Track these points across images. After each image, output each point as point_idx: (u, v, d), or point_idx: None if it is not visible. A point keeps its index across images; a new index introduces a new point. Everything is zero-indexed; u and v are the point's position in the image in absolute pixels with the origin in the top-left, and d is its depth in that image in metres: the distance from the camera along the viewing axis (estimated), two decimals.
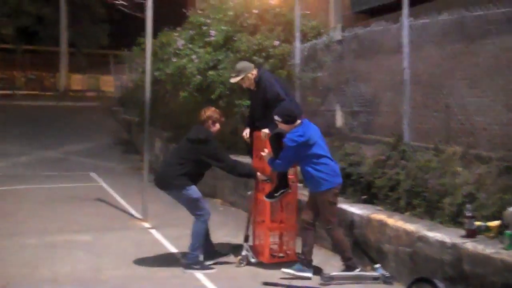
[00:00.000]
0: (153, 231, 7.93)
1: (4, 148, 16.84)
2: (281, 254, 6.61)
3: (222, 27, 10.73)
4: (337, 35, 8.93)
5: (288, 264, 6.12)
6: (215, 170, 7.15)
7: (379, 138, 7.58)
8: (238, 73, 6.53)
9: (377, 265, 5.93)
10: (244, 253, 6.39)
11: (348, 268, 5.91)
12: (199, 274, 6.04)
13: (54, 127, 21.01)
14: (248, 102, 9.70)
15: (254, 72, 6.50)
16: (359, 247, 6.28)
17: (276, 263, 6.33)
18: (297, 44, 9.44)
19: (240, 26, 10.67)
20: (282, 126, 5.94)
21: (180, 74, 11.14)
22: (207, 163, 6.23)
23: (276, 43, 9.94)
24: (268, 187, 6.36)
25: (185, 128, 12.23)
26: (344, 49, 8.77)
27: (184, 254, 6.46)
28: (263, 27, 10.46)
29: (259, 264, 6.36)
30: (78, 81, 38.33)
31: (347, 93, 8.61)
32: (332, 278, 5.75)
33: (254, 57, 9.71)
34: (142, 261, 6.49)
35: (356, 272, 5.87)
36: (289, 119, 5.90)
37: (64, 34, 34.10)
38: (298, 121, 5.93)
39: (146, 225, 8.17)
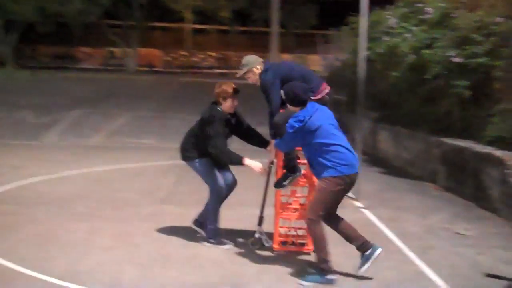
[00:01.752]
0: (366, 211, 7.97)
1: None
2: (293, 243, 6.12)
3: (439, 4, 10.32)
4: None
5: (297, 254, 5.93)
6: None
7: None
8: (242, 66, 6.00)
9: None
10: (257, 235, 6.13)
11: (322, 271, 5.20)
12: (416, 259, 5.97)
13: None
14: (466, 83, 9.28)
15: (259, 67, 5.94)
16: None
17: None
18: None
19: (459, 2, 10.16)
20: (289, 106, 5.40)
21: (391, 53, 10.96)
22: None
23: (499, 19, 9.29)
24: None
25: (395, 108, 12.10)
26: None
27: None
28: (484, 3, 9.85)
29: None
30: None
31: None
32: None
33: (473, 35, 9.21)
34: None
35: (329, 280, 5.16)
36: (292, 100, 5.28)
37: (275, 16, 35.28)
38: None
39: (359, 204, 8.23)
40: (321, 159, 5.14)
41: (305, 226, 5.61)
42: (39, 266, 5.26)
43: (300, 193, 6.18)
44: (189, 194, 8.77)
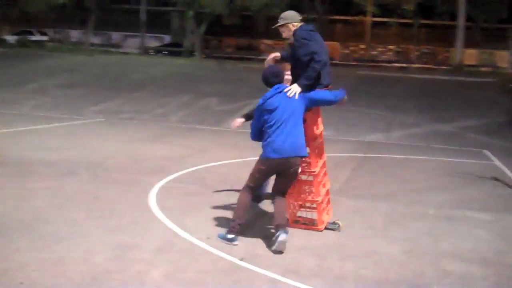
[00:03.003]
0: None
1: (401, 118, 17.70)
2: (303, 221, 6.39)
3: None
4: None
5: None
6: None
7: None
8: (279, 20, 5.95)
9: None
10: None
11: (228, 230, 5.64)
12: None
13: (447, 101, 21.09)
14: None
15: (296, 24, 5.86)
16: None
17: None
18: None
19: None
20: None
21: None
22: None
23: None
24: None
25: None
26: None
27: None
28: None
29: None
30: (471, 56, 37.62)
31: None
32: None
33: None
34: None
35: (229, 239, 5.60)
36: (265, 82, 5.73)
37: (462, 9, 33.54)
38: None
39: None
40: (263, 139, 5.64)
41: (313, 206, 6.24)
42: (223, 246, 5.50)
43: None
44: (364, 188, 8.68)
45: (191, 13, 37.37)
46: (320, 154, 6.21)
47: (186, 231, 5.88)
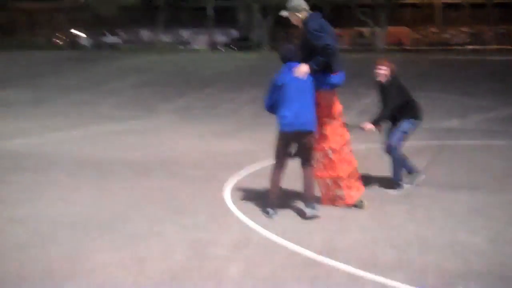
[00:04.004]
0: None
1: (478, 103, 17.07)
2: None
3: None
4: None
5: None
6: None
7: None
8: (288, 9, 6.19)
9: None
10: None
11: (268, 205, 6.24)
12: None
13: None
14: None
15: (304, 14, 6.15)
16: None
17: None
18: None
19: None
20: None
21: None
22: None
23: None
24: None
25: None
26: None
27: None
28: None
29: None
30: None
31: None
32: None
33: None
34: None
35: (267, 213, 6.20)
36: (281, 57, 6.16)
37: None
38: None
39: None
40: (277, 113, 6.11)
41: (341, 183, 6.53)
42: (299, 239, 5.46)
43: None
44: (443, 177, 8.40)
45: (257, 6, 37.42)
46: (338, 133, 6.57)
47: (261, 226, 5.88)
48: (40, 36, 51.46)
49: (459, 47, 41.43)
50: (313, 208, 6.11)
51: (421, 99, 16.91)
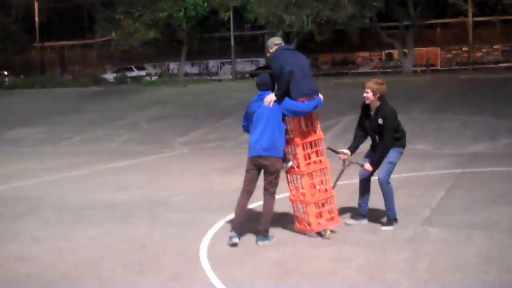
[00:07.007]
0: None
1: (509, 124, 15.83)
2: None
3: None
4: None
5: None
6: None
7: None
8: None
9: None
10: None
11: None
12: None
13: None
14: None
15: (274, 48, 6.41)
16: None
17: None
18: None
19: None
20: None
21: None
22: None
23: None
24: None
25: None
26: None
27: None
28: None
29: None
30: None
31: None
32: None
33: None
34: None
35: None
36: (256, 85, 6.43)
37: None
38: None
39: None
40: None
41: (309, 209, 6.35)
42: None
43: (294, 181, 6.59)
44: (458, 213, 7.36)
45: (280, 33, 36.84)
46: (311, 159, 6.43)
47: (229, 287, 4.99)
48: (68, 73, 51.94)
49: (493, 65, 39.95)
50: (265, 238, 6.17)
51: (449, 122, 16.09)
